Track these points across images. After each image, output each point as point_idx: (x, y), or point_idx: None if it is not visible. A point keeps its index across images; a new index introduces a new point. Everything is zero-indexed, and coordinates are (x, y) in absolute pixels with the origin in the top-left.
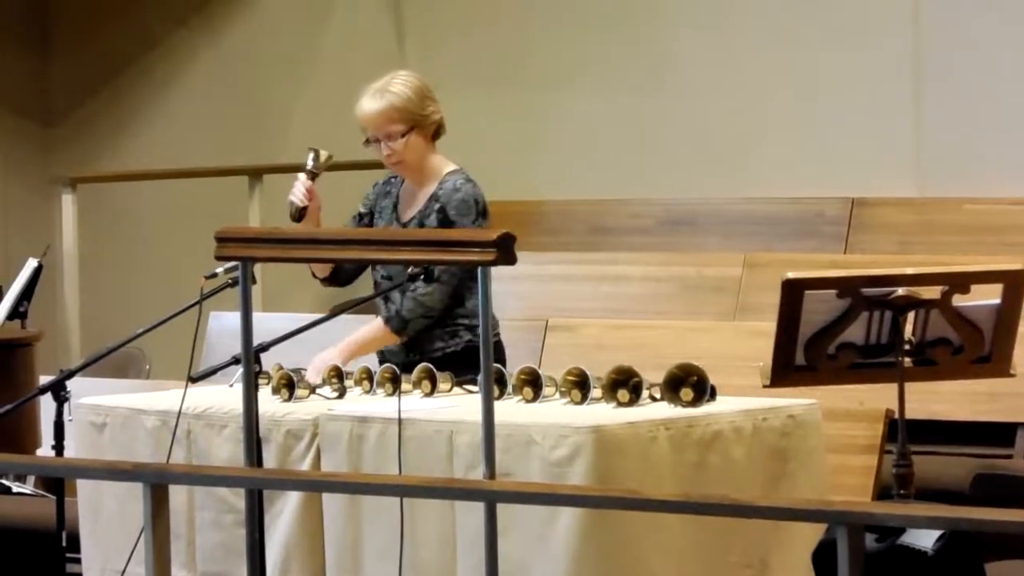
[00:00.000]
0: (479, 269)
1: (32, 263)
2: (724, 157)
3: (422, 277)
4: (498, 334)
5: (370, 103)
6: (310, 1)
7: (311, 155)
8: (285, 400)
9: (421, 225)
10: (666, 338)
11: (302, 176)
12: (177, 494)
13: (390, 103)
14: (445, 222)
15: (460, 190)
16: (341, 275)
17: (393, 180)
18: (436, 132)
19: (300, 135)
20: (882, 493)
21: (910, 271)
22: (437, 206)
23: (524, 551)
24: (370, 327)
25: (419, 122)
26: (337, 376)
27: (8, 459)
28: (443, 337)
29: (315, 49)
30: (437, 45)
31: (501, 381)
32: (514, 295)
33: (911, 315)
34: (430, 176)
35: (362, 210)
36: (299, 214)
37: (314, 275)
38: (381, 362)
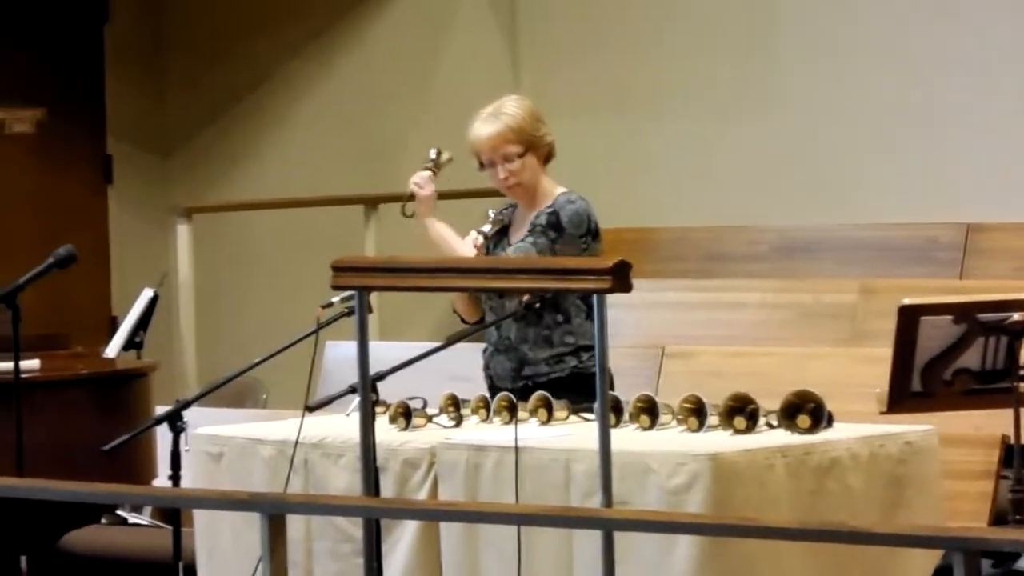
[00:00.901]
0: (595, 297)
1: (148, 293)
2: (838, 183)
3: (537, 305)
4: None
5: (485, 127)
6: (424, 29)
7: (433, 152)
8: (402, 429)
9: (531, 232)
10: (782, 365)
11: (421, 171)
12: (294, 523)
13: (506, 124)
14: (555, 224)
15: (575, 203)
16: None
17: (505, 211)
18: (548, 155)
19: (415, 163)
20: (998, 518)
21: None
22: (550, 210)
23: None
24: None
25: (534, 143)
26: (454, 405)
27: (125, 490)
28: (549, 362)
29: (429, 77)
30: (552, 72)
31: (617, 409)
32: (630, 322)
33: None
34: (542, 199)
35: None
36: (410, 196)
37: (463, 320)
38: (491, 387)
